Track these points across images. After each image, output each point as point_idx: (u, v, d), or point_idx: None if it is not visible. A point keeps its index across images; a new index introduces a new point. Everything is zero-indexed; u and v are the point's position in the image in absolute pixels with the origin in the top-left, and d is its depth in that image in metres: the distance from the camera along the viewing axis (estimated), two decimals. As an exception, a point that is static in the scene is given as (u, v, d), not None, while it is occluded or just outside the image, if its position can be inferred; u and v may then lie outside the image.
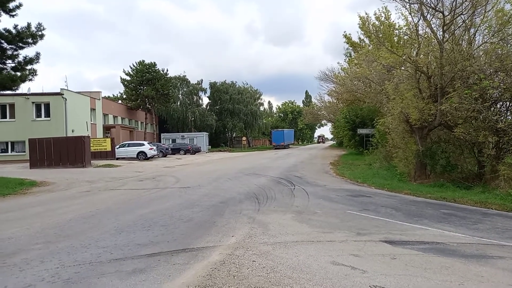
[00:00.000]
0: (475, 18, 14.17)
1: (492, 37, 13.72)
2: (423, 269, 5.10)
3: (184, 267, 5.10)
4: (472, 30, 14.81)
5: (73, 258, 5.53)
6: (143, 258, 5.50)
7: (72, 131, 32.68)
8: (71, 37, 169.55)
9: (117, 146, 33.83)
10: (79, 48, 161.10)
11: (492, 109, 13.47)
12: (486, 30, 14.07)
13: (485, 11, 13.68)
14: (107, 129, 42.98)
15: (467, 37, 15.06)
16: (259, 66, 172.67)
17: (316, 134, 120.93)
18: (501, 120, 12.76)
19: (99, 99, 41.36)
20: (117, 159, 32.15)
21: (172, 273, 4.87)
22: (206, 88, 65.97)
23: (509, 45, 13.69)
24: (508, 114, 13.87)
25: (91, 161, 26.25)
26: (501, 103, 14.14)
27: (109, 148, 32.67)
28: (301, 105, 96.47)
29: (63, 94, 32.79)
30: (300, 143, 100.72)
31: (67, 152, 24.76)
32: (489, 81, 12.30)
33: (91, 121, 38.09)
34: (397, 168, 17.87)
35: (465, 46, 14.80)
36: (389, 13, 19.82)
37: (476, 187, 12.65)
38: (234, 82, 68.14)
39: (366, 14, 22.17)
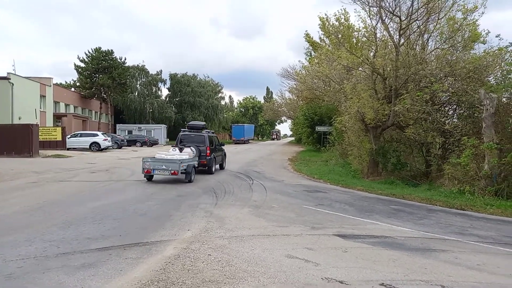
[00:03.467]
0: (429, 25, 14.94)
1: (443, 44, 14.53)
2: (372, 261, 5.32)
3: (136, 262, 4.96)
4: (425, 36, 15.60)
5: (16, 252, 5.20)
6: (93, 252, 5.28)
7: (19, 118, 30.63)
8: (24, 18, 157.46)
9: (69, 136, 32.14)
10: (32, 31, 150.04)
11: (440, 111, 14.31)
12: (438, 37, 14.88)
13: (438, 18, 14.44)
14: (58, 117, 40.77)
15: (420, 42, 15.85)
16: (221, 60, 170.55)
17: (282, 131, 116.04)
18: (448, 122, 13.58)
19: (50, 86, 39.08)
20: (68, 149, 30.58)
21: (124, 268, 4.72)
22: (166, 80, 64.37)
23: (458, 52, 14.57)
24: (454, 116, 14.81)
25: (39, 151, 24.77)
26: (449, 106, 15.06)
27: (59, 138, 30.93)
28: (262, 101, 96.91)
29: (9, 79, 30.60)
30: (260, 138, 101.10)
31: (13, 140, 23.14)
32: (439, 85, 13.04)
33: (40, 108, 35.90)
34: (352, 165, 18.49)
35: (418, 50, 15.57)
36: (348, 15, 20.36)
37: (423, 184, 13.39)
38: (196, 75, 67.13)
39: (326, 15, 22.57)
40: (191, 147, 14.78)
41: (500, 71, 13.75)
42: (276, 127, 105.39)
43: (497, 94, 11.69)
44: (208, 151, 15.69)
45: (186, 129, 17.36)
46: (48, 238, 5.91)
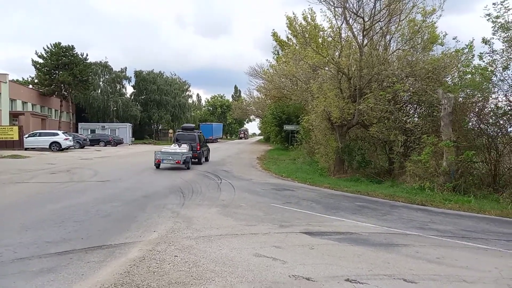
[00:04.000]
0: (391, 26, 15.45)
1: (404, 45, 15.06)
2: (338, 257, 5.42)
3: (99, 265, 4.78)
4: (388, 37, 16.13)
5: (-34, 260, 4.87)
6: (52, 257, 5.04)
7: (-29, 116, 28.85)
8: None
9: (26, 135, 30.62)
10: None
11: (402, 110, 14.83)
12: (400, 38, 15.41)
13: (399, 20, 14.96)
14: (14, 116, 38.68)
15: (383, 43, 16.36)
16: (187, 57, 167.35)
17: (250, 130, 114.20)
18: (409, 121, 14.10)
19: (6, 82, 37.01)
20: (26, 149, 29.10)
21: (85, 272, 4.54)
22: (131, 77, 62.61)
23: (418, 53, 15.15)
24: (415, 115, 15.40)
25: (-6, 151, 23.44)
26: (410, 105, 15.64)
27: (16, 137, 29.34)
28: (231, 99, 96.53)
29: (-40, 74, 28.73)
30: (228, 137, 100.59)
31: (-36, 140, 21.75)
32: (400, 84, 13.50)
33: (-5, 106, 33.98)
34: (319, 163, 18.80)
35: (381, 51, 16.05)
36: (315, 15, 20.64)
37: (387, 181, 13.83)
38: (162, 72, 65.75)
39: (293, 14, 22.81)
40: (186, 143, 18.83)
41: (457, 72, 14.43)
42: (244, 126, 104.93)
43: (454, 94, 12.26)
44: (198, 147, 19.90)
45: (181, 130, 21.73)
46: (4, 243, 5.58)
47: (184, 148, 18.06)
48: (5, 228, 6.54)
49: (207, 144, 24.06)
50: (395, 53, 15.97)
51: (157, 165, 17.29)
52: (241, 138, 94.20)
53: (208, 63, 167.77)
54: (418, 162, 12.23)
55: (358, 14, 15.27)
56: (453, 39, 14.13)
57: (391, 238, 6.68)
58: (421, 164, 12.12)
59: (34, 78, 47.90)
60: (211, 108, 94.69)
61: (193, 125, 23.03)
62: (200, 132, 22.82)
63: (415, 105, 15.39)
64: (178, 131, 22.06)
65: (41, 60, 44.80)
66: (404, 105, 15.36)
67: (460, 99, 13.09)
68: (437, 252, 5.93)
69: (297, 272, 4.72)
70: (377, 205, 10.24)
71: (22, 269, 4.59)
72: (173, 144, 19.37)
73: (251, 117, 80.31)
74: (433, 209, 9.91)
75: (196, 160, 19.63)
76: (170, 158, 17.03)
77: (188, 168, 17.22)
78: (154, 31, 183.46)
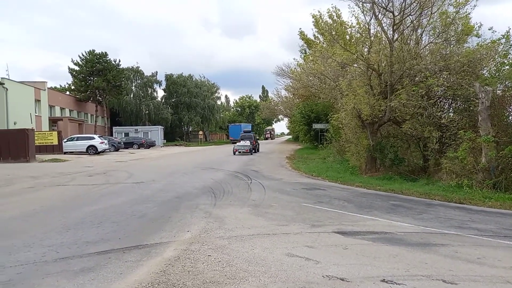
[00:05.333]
0: (422, 19, 14.96)
1: (437, 38, 14.54)
2: (373, 257, 5.31)
3: (136, 264, 4.93)
4: (419, 31, 15.61)
5: (14, 258, 5.16)
6: (92, 256, 5.25)
7: (14, 123, 30.49)
8: (5, 21, 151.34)
9: (65, 140, 32.04)
10: (16, 34, 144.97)
11: (436, 106, 14.33)
12: (432, 31, 14.89)
13: (431, 13, 14.45)
14: (53, 121, 40.61)
15: (414, 37, 15.85)
16: (214, 59, 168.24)
17: (279, 130, 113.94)
18: (444, 116, 13.59)
19: (45, 90, 38.90)
20: (65, 153, 30.47)
21: (123, 271, 4.69)
22: (162, 81, 64.27)
23: (452, 46, 14.58)
24: (450, 110, 14.83)
25: (36, 155, 24.66)
26: (444, 100, 15.08)
27: (56, 142, 30.81)
28: (258, 100, 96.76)
29: (3, 84, 30.43)
30: (257, 137, 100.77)
31: (8, 146, 23.02)
32: (434, 79, 13.04)
33: (35, 113, 35.74)
34: (350, 162, 18.49)
35: (412, 45, 15.56)
36: (340, 12, 20.41)
37: (421, 179, 13.39)
38: (191, 75, 67.01)
39: (319, 12, 22.62)
40: (248, 140, 31.98)
41: (494, 63, 13.77)
42: (273, 125, 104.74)
43: (492, 87, 11.70)
44: (254, 142, 33.20)
45: (243, 132, 37.18)
46: (47, 243, 5.87)
47: (248, 142, 31.11)
48: (48, 229, 6.86)
49: (258, 141, 38.66)
50: (427, 47, 15.45)
51: (234, 153, 29.49)
52: (267, 138, 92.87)
53: (234, 64, 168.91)
54: (454, 158, 11.76)
55: (388, 8, 14.89)
56: (489, 29, 13.49)
57: (428, 238, 6.47)
58: (458, 161, 11.65)
59: (71, 85, 50.08)
60: (239, 109, 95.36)
61: (251, 129, 39.64)
62: (255, 133, 39.15)
63: (450, 100, 14.82)
64: (242, 134, 36.77)
65: (77, 68, 46.78)
66: (438, 100, 14.83)
67: (499, 92, 12.48)
68: (478, 252, 5.69)
69: (331, 272, 4.66)
70: (412, 203, 9.94)
71: (64, 268, 4.79)
72: (241, 141, 32.03)
73: (280, 116, 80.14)
74: (472, 207, 9.51)
75: (254, 150, 31.81)
76: (243, 148, 29.83)
77: (251, 154, 29.72)
78: (181, 34, 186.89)
